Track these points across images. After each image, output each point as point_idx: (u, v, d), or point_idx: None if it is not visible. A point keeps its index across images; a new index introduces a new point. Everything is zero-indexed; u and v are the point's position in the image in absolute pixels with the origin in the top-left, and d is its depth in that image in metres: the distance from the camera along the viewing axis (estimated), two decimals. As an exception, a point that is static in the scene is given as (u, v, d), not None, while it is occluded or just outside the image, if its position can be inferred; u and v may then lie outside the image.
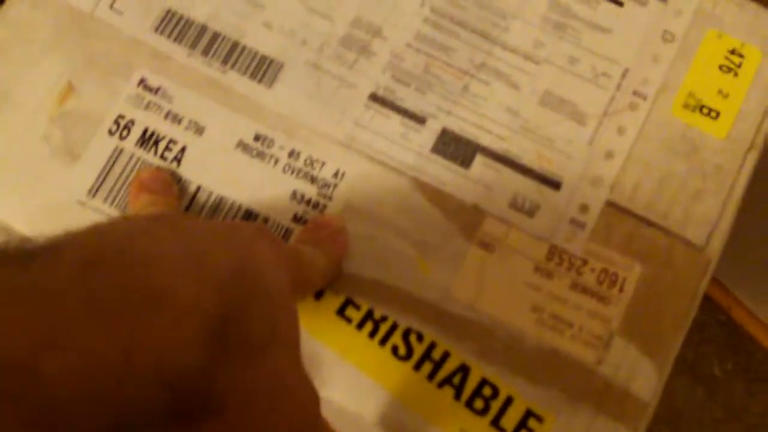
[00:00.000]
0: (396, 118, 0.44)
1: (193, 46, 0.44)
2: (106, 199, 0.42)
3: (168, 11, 0.45)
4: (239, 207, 0.42)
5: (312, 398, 0.33)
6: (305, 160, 0.43)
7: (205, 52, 0.44)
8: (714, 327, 0.97)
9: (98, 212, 0.42)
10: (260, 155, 0.43)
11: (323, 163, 0.43)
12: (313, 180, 0.43)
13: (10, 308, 0.24)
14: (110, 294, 0.25)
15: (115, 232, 0.29)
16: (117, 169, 0.43)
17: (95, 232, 0.29)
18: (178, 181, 0.42)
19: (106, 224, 0.30)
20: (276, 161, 0.43)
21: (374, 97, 0.44)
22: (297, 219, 0.42)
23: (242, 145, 0.43)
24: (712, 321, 0.98)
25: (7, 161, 0.43)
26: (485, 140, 0.43)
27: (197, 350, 0.27)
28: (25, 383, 0.23)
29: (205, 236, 0.31)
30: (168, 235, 0.29)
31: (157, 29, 0.45)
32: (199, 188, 0.42)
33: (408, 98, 0.44)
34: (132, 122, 0.43)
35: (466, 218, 0.42)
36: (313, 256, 0.40)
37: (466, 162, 0.43)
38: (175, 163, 0.43)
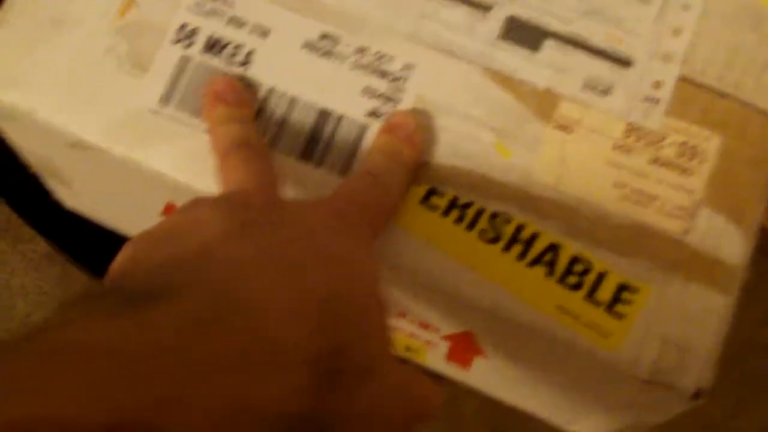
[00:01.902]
0: (461, 8, 0.47)
1: (248, -49, 0.47)
2: (178, 107, 0.45)
3: None
4: (312, 106, 0.45)
5: (415, 389, 0.35)
6: (373, 56, 0.46)
7: (262, -43, 0.47)
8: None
9: (172, 120, 0.45)
10: (328, 54, 0.46)
11: (392, 58, 0.46)
12: (383, 75, 0.46)
13: (128, 363, 0.25)
14: (224, 348, 0.28)
15: (220, 269, 0.31)
16: (186, 77, 0.45)
17: (202, 266, 0.31)
18: (248, 85, 0.45)
19: (209, 250, 0.32)
20: (344, 59, 0.46)
21: (437, -11, 0.47)
22: (372, 114, 0.45)
23: (309, 45, 0.46)
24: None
25: (74, 78, 0.46)
26: (552, 25, 0.46)
27: (307, 393, 0.29)
28: None
29: (298, 254, 0.33)
30: (268, 266, 0.31)
31: (210, -64, 0.47)
32: (270, 91, 0.45)
33: (470, -12, 0.47)
34: (195, 30, 0.46)
35: (540, 102, 0.45)
36: (393, 179, 0.43)
37: (534, 47, 0.46)
38: (243, 68, 0.46)
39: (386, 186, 0.42)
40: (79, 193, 0.55)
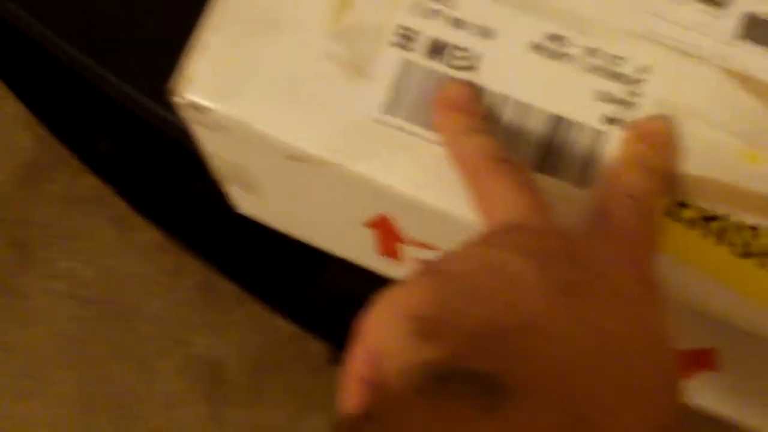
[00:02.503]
0: (694, 5, 0.44)
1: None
2: (403, 115, 0.43)
3: None
4: (543, 112, 0.43)
5: None
6: (605, 57, 0.44)
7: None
8: None
9: (399, 130, 0.43)
10: (557, 56, 0.44)
11: (625, 59, 0.44)
12: (617, 77, 0.43)
13: None
14: None
15: (555, 358, 0.29)
16: (410, 82, 0.44)
17: (531, 349, 0.29)
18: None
19: (533, 324, 0.30)
20: (574, 60, 0.44)
21: (667, -16, 0.45)
22: (608, 120, 0.43)
23: (536, 47, 0.44)
24: None
25: (293, 86, 0.44)
26: (795, 21, 0.44)
27: None
28: None
29: (621, 334, 0.32)
30: (600, 353, 0.30)
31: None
32: (497, 97, 0.43)
33: (703, -17, 0.45)
34: (416, 32, 0.44)
35: (787, 105, 0.43)
36: (654, 202, 0.41)
37: (777, 46, 0.44)
38: (468, 73, 0.44)
39: (650, 212, 0.40)
40: (267, 202, 0.54)
